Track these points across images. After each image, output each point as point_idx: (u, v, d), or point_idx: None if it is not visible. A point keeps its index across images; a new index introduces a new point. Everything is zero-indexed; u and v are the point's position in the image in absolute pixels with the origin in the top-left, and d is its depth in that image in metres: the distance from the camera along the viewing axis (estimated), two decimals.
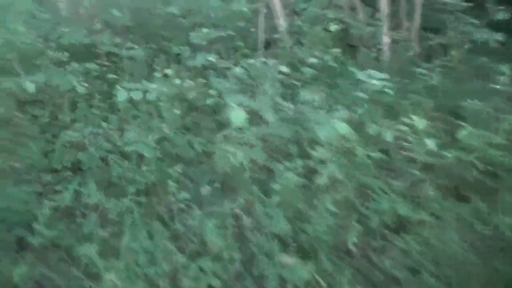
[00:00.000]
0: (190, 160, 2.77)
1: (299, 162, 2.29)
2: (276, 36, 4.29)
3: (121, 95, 2.82)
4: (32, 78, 3.09)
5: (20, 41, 3.47)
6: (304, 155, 2.33)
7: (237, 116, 2.43)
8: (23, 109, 3.32)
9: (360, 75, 2.80)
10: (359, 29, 4.27)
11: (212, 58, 3.15)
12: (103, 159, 2.84)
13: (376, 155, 2.32)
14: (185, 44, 4.43)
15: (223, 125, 3.01)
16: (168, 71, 3.75)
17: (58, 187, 2.74)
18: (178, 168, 2.57)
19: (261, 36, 4.21)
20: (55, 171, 2.94)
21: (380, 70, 3.48)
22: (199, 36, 3.57)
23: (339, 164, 2.20)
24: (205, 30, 3.65)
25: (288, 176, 2.22)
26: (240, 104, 2.48)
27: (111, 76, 3.73)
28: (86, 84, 3.31)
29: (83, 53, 3.83)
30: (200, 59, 3.17)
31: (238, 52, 4.03)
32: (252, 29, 4.60)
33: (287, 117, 2.54)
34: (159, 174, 2.54)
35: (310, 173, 2.27)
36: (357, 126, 2.34)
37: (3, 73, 3.70)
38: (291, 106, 2.61)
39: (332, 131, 2.19)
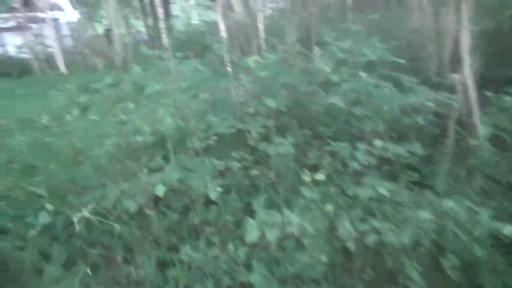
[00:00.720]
0: None
1: None
2: (472, 142, 3.15)
3: (252, 234, 2.17)
4: (167, 175, 2.75)
5: (170, 126, 3.25)
6: None
7: None
8: (157, 203, 3.03)
9: None
10: None
11: (382, 189, 2.25)
12: None
13: None
14: (346, 139, 3.68)
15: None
16: (320, 177, 3.02)
17: None
18: None
19: (450, 141, 3.14)
20: None
21: None
22: (367, 153, 2.75)
23: None
24: (378, 142, 2.82)
25: None
26: None
27: (254, 172, 3.21)
28: (220, 189, 2.81)
29: (230, 142, 3.44)
30: (366, 191, 2.31)
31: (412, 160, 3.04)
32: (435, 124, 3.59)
33: None
34: None
35: None
36: None
37: (157, 154, 3.60)
38: None
39: None
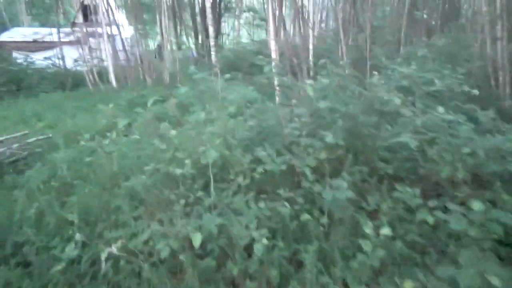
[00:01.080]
0: None
1: None
2: None
3: None
4: (206, 220, 2.38)
5: (214, 159, 2.90)
6: None
7: None
8: (191, 244, 2.65)
9: None
10: None
11: (492, 277, 1.69)
12: None
13: None
14: (410, 180, 3.16)
15: None
16: (385, 231, 2.53)
17: None
18: None
19: None
20: None
21: None
22: (464, 218, 2.17)
23: None
24: (477, 205, 2.26)
25: None
26: None
27: (305, 217, 2.76)
28: (266, 241, 2.39)
29: (277, 177, 3.03)
30: (465, 275, 1.77)
31: None
32: None
33: None
34: None
35: None
36: None
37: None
38: None
39: None
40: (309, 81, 4.07)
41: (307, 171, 2.83)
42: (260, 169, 2.85)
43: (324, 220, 2.81)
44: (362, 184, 3.40)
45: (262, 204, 2.60)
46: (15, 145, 5.65)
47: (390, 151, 3.66)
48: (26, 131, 6.13)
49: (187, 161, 2.91)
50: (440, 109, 2.95)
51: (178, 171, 2.89)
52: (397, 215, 2.95)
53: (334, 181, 2.75)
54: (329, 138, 2.85)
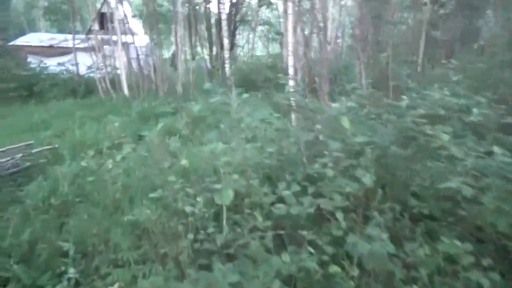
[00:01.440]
0: None
1: None
2: None
3: None
4: (218, 278, 1.99)
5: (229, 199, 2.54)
6: None
7: None
8: None
9: None
10: None
11: None
12: None
13: None
14: (448, 222, 2.76)
15: None
16: None
17: None
18: None
19: None
20: None
21: None
22: None
23: None
24: None
25: None
26: None
27: (333, 269, 2.36)
28: None
29: (302, 221, 2.65)
30: None
31: None
32: None
33: None
34: None
35: None
36: None
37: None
38: None
39: None
40: (335, 105, 3.72)
41: (340, 217, 2.43)
42: (283, 210, 2.46)
43: (355, 272, 2.41)
44: (394, 225, 3.01)
45: (286, 258, 2.19)
46: (18, 155, 5.37)
47: (424, 188, 3.27)
48: (31, 141, 5.86)
49: (199, 199, 2.55)
50: (496, 148, 2.55)
51: (189, 209, 2.53)
52: (437, 265, 2.55)
53: (368, 228, 2.35)
54: (367, 179, 2.46)
